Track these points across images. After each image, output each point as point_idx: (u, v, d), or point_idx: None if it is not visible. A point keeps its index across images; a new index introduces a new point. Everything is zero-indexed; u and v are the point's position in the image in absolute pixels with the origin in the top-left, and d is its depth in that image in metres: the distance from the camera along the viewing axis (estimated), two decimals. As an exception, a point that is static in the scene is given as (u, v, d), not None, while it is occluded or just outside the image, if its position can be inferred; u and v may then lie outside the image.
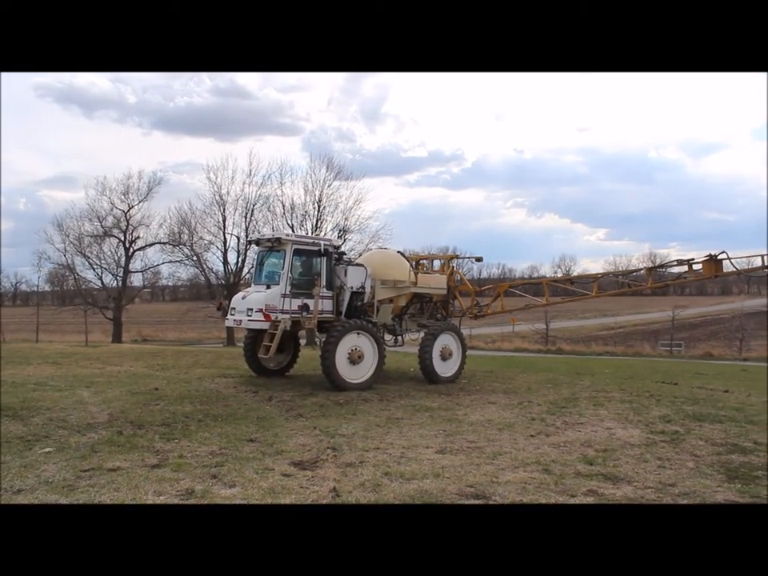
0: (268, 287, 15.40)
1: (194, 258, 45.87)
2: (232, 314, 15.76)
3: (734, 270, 17.94)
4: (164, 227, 47.13)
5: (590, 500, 6.92)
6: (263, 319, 14.92)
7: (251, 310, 15.09)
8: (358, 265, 16.65)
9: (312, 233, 41.98)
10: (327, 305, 15.82)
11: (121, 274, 46.52)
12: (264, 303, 14.93)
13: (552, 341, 37.84)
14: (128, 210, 46.13)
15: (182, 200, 74.65)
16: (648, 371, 21.88)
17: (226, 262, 45.64)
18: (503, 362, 24.33)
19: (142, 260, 47.88)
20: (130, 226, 46.17)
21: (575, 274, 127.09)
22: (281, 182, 45.33)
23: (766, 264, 17.70)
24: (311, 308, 15.21)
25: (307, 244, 15.87)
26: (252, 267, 18.18)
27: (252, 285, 16.66)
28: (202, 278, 48.33)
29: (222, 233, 45.12)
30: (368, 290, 16.35)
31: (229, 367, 19.21)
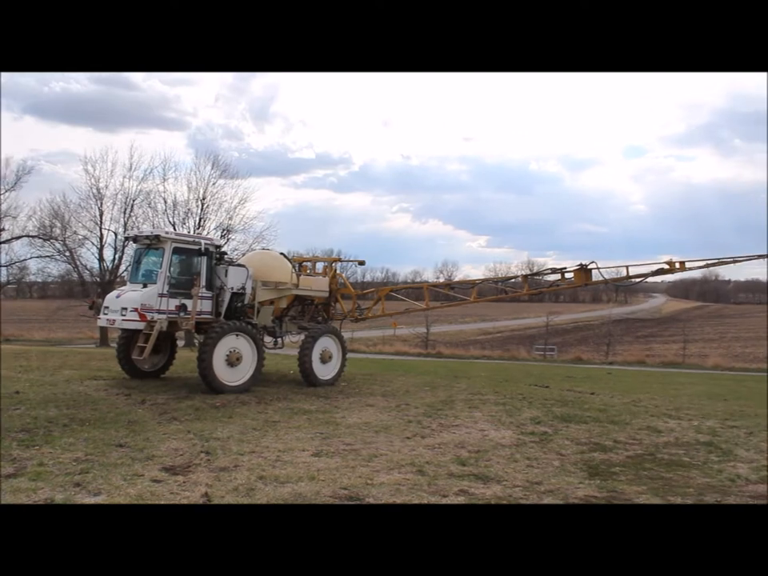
0: (145, 286, 14.88)
1: (67, 254, 43.38)
2: (105, 313, 15.09)
3: (603, 279, 18.97)
4: (34, 219, 44.17)
5: (460, 500, 7.10)
6: (138, 319, 14.41)
7: (126, 309, 14.52)
8: (239, 265, 16.38)
9: (195, 231, 40.91)
10: (206, 305, 15.46)
11: (-20, 268, 43.38)
12: (140, 302, 14.42)
13: (432, 344, 38.59)
14: (-9, 200, 42.97)
15: (55, 191, 70.42)
16: (522, 375, 22.72)
17: (101, 259, 43.59)
18: (383, 365, 24.58)
19: (7, 254, 44.82)
20: (-7, 217, 43.05)
21: (457, 279, 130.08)
22: (164, 178, 43.72)
23: (629, 274, 18.92)
24: (189, 308, 14.81)
25: (187, 242, 15.49)
26: (129, 265, 17.46)
27: (128, 283, 16.04)
28: (75, 275, 45.84)
29: (98, 228, 43.01)
30: (249, 291, 16.12)
31: (100, 369, 18.38)
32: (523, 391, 17.10)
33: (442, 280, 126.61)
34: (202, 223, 42.40)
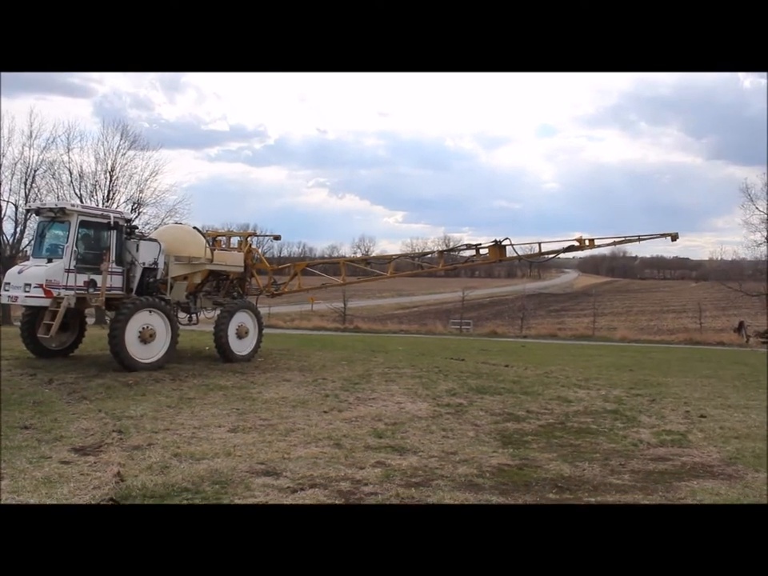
0: (50, 261, 14.25)
1: (-38, 227, 41.11)
2: (6, 290, 14.37)
3: (516, 255, 19.50)
4: None
5: (377, 471, 7.16)
6: (43, 295, 13.80)
7: (29, 285, 13.86)
8: (150, 240, 15.93)
9: (103, 204, 39.39)
10: (117, 281, 14.97)
11: None
12: (44, 278, 13.80)
13: (349, 319, 38.60)
14: None
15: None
16: (438, 348, 23.06)
17: (1, 233, 41.49)
18: (300, 340, 24.46)
19: None
20: None
21: (374, 254, 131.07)
22: (68, 148, 41.68)
23: (541, 251, 19.51)
24: (99, 284, 14.31)
25: (95, 216, 14.91)
26: (32, 239, 16.65)
27: (31, 258, 15.32)
28: (-27, 250, 43.46)
29: (-5, 199, 40.84)
30: (161, 266, 15.70)
31: (4, 348, 17.53)
32: (439, 364, 17.38)
33: (359, 255, 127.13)
34: (111, 196, 40.84)
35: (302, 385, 13.20)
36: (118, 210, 15.13)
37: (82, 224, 14.47)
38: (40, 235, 15.24)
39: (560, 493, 6.69)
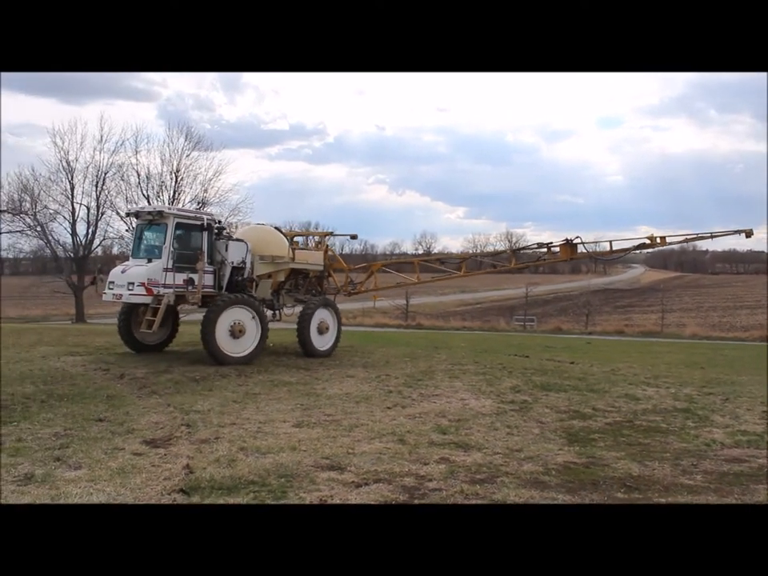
0: (149, 261, 15.03)
1: (38, 229, 42.63)
2: (110, 288, 15.18)
3: (587, 252, 19.50)
4: (2, 193, 43.35)
5: (441, 467, 7.14)
6: (145, 293, 14.60)
7: (132, 284, 14.67)
8: (237, 240, 16.56)
9: (169, 204, 40.40)
10: (209, 279, 15.69)
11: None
12: (146, 277, 14.58)
13: (412, 316, 38.63)
14: (-45, 172, 41.91)
15: (22, 165, 68.74)
16: (502, 345, 22.85)
17: (74, 234, 42.94)
18: (363, 337, 24.57)
19: (-26, 229, 43.89)
20: (-42, 191, 42.01)
21: (436, 250, 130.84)
22: (136, 150, 43.07)
23: (612, 249, 19.27)
24: (196, 282, 15.01)
25: (189, 218, 15.65)
26: (132, 241, 17.27)
27: (130, 258, 16.09)
28: (48, 251, 45.07)
29: (69, 202, 42.33)
30: (248, 265, 16.35)
31: (77, 345, 18.19)
32: (503, 361, 17.21)
33: (421, 252, 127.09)
34: (177, 196, 41.94)
35: (366, 381, 13.26)
36: (209, 212, 15.77)
37: (178, 226, 15.19)
38: (138, 237, 16.09)
39: (629, 492, 6.53)
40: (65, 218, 42.62)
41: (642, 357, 19.67)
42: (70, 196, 42.21)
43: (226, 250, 15.91)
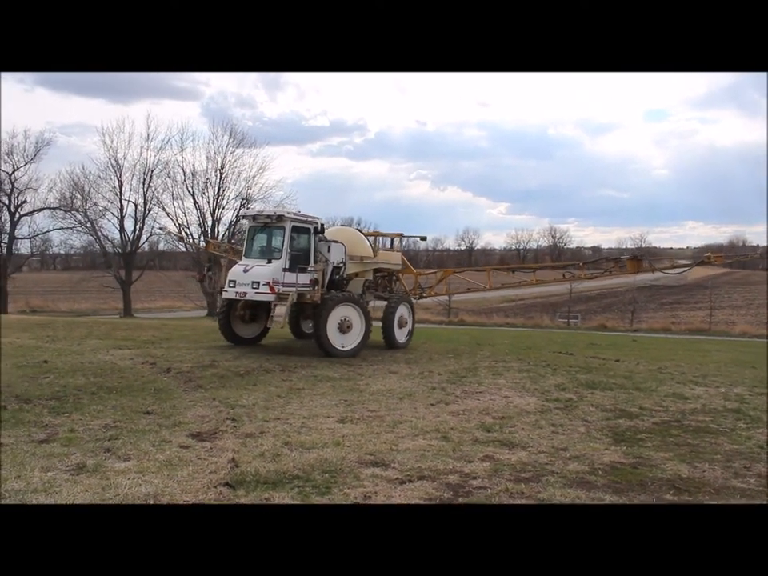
0: (269, 261, 15.94)
1: (88, 225, 43.68)
2: (231, 286, 16.03)
3: (651, 267, 20.19)
4: (54, 191, 44.45)
5: (486, 465, 7.09)
6: (269, 292, 15.50)
7: (257, 283, 15.64)
8: (335, 241, 17.23)
9: (214, 200, 40.97)
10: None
11: (5, 241, 43.67)
12: (270, 277, 15.57)
13: (454, 312, 38.47)
14: (13, 172, 42.85)
15: (73, 163, 70.40)
16: (545, 342, 22.60)
17: (122, 230, 43.85)
18: (406, 333, 24.55)
19: (29, 226, 45.11)
20: (15, 189, 43.00)
21: (478, 246, 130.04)
22: (181, 148, 43.92)
23: (673, 264, 20.62)
24: (317, 282, 16.02)
25: (303, 221, 16.53)
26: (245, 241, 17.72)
27: (244, 258, 16.82)
28: (97, 246, 46.14)
29: (118, 199, 43.26)
30: (346, 265, 17.19)
31: (125, 339, 18.54)
32: (547, 358, 17.03)
33: (463, 248, 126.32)
34: (221, 192, 42.48)
35: (409, 377, 13.24)
36: (315, 216, 16.50)
37: (294, 229, 16.07)
38: (251, 239, 17.03)
39: (678, 494, 6.40)
40: (113, 214, 43.68)
41: (689, 355, 19.27)
42: (119, 193, 43.25)
43: (329, 251, 16.78)
